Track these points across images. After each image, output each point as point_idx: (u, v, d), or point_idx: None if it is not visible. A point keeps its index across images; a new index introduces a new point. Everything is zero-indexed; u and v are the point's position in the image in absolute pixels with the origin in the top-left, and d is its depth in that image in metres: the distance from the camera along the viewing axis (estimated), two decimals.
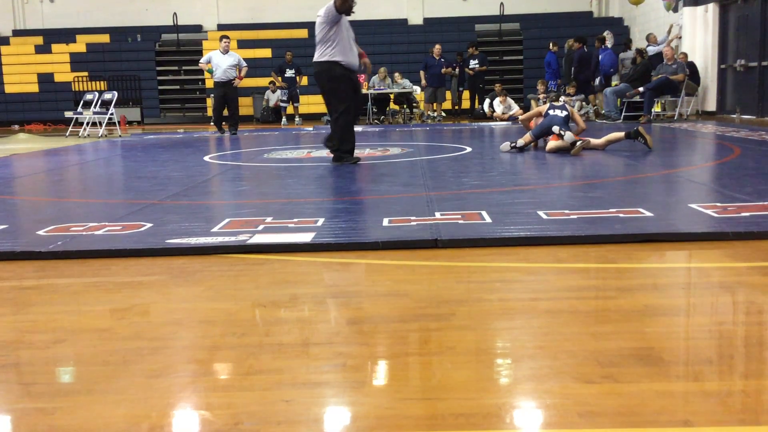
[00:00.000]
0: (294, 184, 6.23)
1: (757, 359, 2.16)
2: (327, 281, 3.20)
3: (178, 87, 19.57)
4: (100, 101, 14.04)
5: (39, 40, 19.58)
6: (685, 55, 13.77)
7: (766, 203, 4.31)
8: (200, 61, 12.88)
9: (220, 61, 12.58)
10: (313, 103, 17.91)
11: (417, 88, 16.11)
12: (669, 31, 14.76)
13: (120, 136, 13.50)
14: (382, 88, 15.72)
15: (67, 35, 19.60)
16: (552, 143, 7.59)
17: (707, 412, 1.78)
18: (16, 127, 17.77)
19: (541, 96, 15.30)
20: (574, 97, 15.05)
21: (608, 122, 13.13)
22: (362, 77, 15.43)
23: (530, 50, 18.59)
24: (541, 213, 4.19)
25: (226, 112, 12.91)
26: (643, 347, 2.22)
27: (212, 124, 13.05)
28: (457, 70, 16.40)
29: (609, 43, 15.48)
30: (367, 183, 6.25)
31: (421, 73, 15.94)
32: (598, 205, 4.45)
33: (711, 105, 14.33)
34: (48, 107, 18.58)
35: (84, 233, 4.03)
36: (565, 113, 7.81)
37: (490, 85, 16.44)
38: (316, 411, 1.88)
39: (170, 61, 19.52)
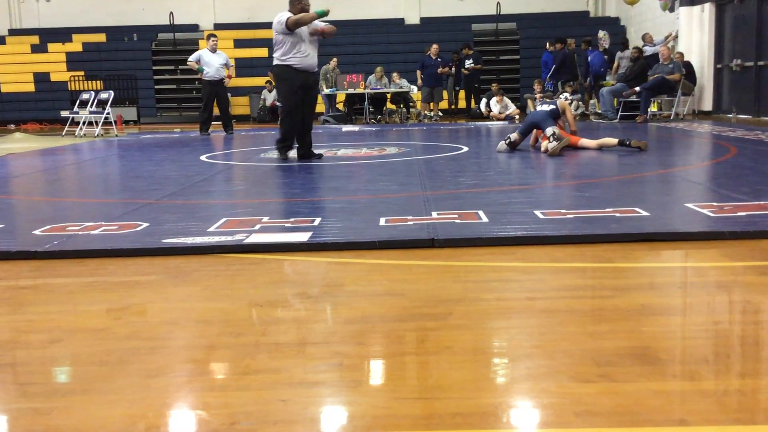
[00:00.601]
0: (291, 183, 6.23)
1: (754, 358, 2.17)
2: (324, 281, 3.20)
3: (174, 86, 19.55)
4: (96, 101, 14.01)
5: (35, 39, 19.55)
6: (682, 54, 13.79)
7: (762, 203, 4.32)
8: (189, 59, 12.76)
9: (211, 60, 12.52)
10: None
11: (414, 88, 16.11)
12: (667, 37, 14.79)
13: (116, 135, 13.48)
14: (378, 87, 15.72)
15: (63, 34, 19.58)
16: (545, 144, 7.56)
17: (703, 412, 1.78)
18: (12, 126, 17.73)
19: (537, 96, 15.30)
20: (571, 97, 15.05)
21: (605, 122, 13.14)
22: (360, 76, 15.46)
23: (527, 50, 18.60)
24: (537, 212, 4.20)
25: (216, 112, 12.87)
26: (639, 346, 2.22)
27: (200, 123, 12.89)
28: (453, 69, 16.40)
29: (606, 44, 15.49)
30: (364, 182, 6.25)
31: (418, 72, 15.94)
32: (595, 205, 4.46)
33: (707, 105, 14.35)
34: (44, 107, 18.55)
35: (80, 233, 4.03)
36: (551, 107, 7.83)
37: (486, 84, 16.44)
38: (312, 410, 1.88)
39: (167, 61, 19.49)
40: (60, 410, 1.91)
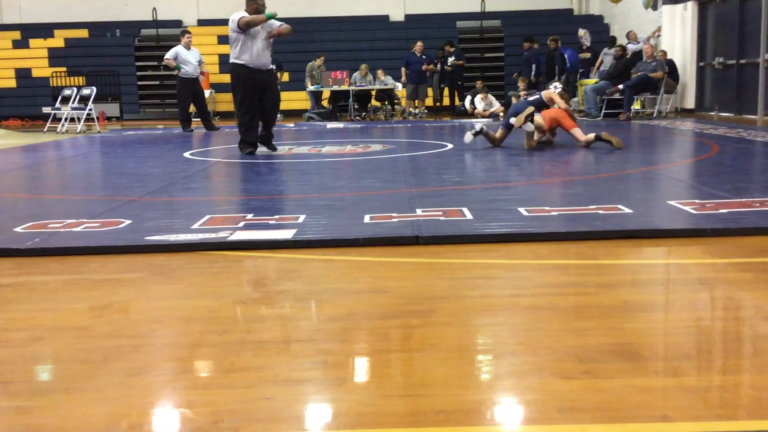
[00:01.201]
0: (275, 180, 6.21)
1: (735, 355, 2.19)
2: (308, 278, 3.19)
3: (157, 83, 19.42)
4: (78, 97, 13.90)
5: (17, 34, 19.34)
6: (664, 52, 13.88)
7: (743, 200, 4.35)
8: (166, 56, 12.62)
9: (188, 57, 12.44)
10: (294, 99, 17.87)
11: (399, 85, 16.10)
12: (654, 32, 14.88)
13: (98, 132, 13.38)
14: (363, 84, 15.70)
15: (45, 30, 19.38)
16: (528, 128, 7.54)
17: (685, 407, 1.80)
18: None
19: (522, 93, 15.36)
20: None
21: (588, 119, 13.20)
22: (344, 73, 15.44)
23: (511, 47, 18.65)
24: (522, 210, 4.21)
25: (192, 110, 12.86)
26: (622, 343, 2.23)
27: (180, 121, 12.82)
28: (438, 66, 16.42)
29: (587, 42, 15.59)
30: (348, 180, 6.24)
31: (403, 69, 15.93)
32: (579, 202, 4.48)
33: (690, 102, 14.46)
34: (26, 103, 18.36)
35: (62, 230, 3.99)
36: (535, 98, 7.94)
37: (471, 81, 16.47)
38: (297, 408, 1.88)
39: (150, 57, 19.35)
40: (41, 409, 1.89)
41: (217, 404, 1.89)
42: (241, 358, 2.20)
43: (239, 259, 3.45)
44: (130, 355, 2.26)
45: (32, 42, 19.11)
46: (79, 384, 2.04)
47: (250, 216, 4.27)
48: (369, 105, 16.20)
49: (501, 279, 3.08)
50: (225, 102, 18.48)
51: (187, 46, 12.56)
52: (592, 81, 14.40)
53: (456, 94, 16.72)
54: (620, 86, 13.02)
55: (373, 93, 16.09)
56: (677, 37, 14.62)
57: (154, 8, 19.34)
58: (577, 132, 7.76)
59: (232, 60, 8.01)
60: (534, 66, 15.41)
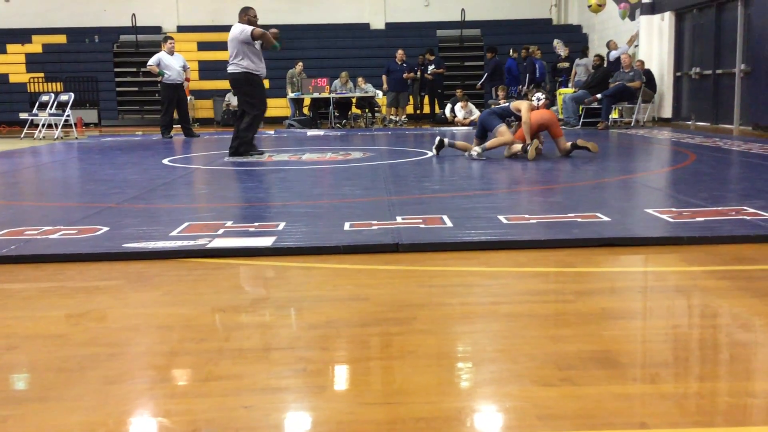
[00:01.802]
0: (255, 187, 6.19)
1: (712, 362, 2.21)
2: (288, 285, 3.18)
3: (136, 89, 19.30)
4: (56, 103, 13.77)
5: None
6: (642, 62, 14.03)
7: (719, 208, 4.40)
8: (149, 63, 12.55)
9: (171, 63, 12.40)
10: (274, 107, 17.82)
11: (379, 93, 16.13)
12: (632, 38, 15.05)
13: (76, 138, 13.26)
14: (344, 92, 15.71)
15: (22, 35, 19.20)
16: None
17: (663, 414, 1.81)
18: None
19: (501, 102, 15.44)
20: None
21: (567, 128, 13.30)
22: (325, 80, 15.44)
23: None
24: (501, 217, 4.23)
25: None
26: (600, 350, 2.25)
27: (161, 126, 12.75)
28: (419, 74, 16.47)
29: (561, 52, 15.75)
30: (328, 187, 6.24)
31: (383, 77, 15.97)
32: (557, 210, 4.50)
33: (667, 112, 14.62)
34: (2, 108, 18.14)
35: (38, 237, 3.95)
36: (500, 106, 8.06)
37: (450, 89, 16.55)
38: (276, 417, 1.87)
39: (129, 63, 19.23)
40: (16, 418, 1.87)
41: (195, 413, 1.87)
42: (219, 366, 2.19)
43: (218, 266, 3.43)
44: (106, 363, 2.23)
45: (9, 47, 18.92)
46: (56, 393, 2.02)
47: (229, 223, 4.25)
48: (349, 112, 16.21)
49: (480, 286, 3.08)
50: (204, 109, 18.43)
51: (170, 52, 12.51)
52: (570, 90, 14.51)
53: (436, 102, 16.78)
54: (598, 95, 13.14)
55: (354, 101, 16.11)
56: (654, 47, 14.79)
57: (134, 14, 19.23)
58: (562, 141, 7.80)
59: (242, 69, 8.39)
60: (495, 74, 15.89)
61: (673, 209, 4.42)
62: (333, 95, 15.45)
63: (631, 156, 7.87)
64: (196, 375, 2.14)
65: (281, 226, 4.13)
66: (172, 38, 12.93)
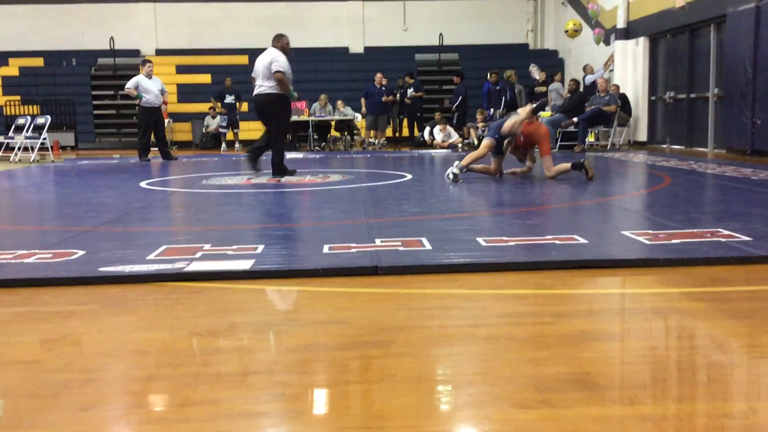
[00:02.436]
0: (233, 210, 6.16)
1: (690, 383, 2.22)
2: (266, 309, 3.16)
3: (114, 112, 19.22)
4: (32, 125, 13.67)
5: None
6: (617, 87, 14.23)
7: (695, 231, 4.45)
8: (127, 86, 12.52)
9: (149, 86, 12.39)
10: (253, 129, 17.82)
11: (358, 116, 16.20)
12: (607, 61, 15.27)
13: (53, 161, 13.16)
14: (323, 115, 15.75)
15: None
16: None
17: None
18: None
19: (480, 125, 15.57)
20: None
21: None
22: (304, 103, 15.49)
23: (469, 80, 18.93)
24: (480, 240, 4.24)
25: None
26: (579, 372, 2.25)
27: (139, 150, 12.70)
28: (398, 96, 16.58)
29: (537, 76, 15.95)
30: (307, 210, 6.23)
31: (362, 100, 16.04)
32: (535, 232, 4.53)
33: (642, 135, 14.82)
34: None
35: (12, 261, 3.90)
36: (500, 120, 8.22)
37: (429, 113, 16.67)
38: None
39: (106, 86, 19.17)
40: None
41: None
42: (196, 391, 2.16)
43: (196, 290, 3.41)
44: (81, 389, 2.20)
45: None
46: (29, 420, 1.98)
47: (207, 246, 4.22)
48: (328, 135, 16.25)
49: (459, 309, 3.08)
50: (183, 132, 18.39)
51: (149, 75, 12.50)
52: (547, 114, 14.67)
53: (415, 125, 16.88)
54: (575, 119, 13.29)
55: (333, 123, 16.15)
56: (629, 71, 15.01)
57: (112, 37, 19.21)
58: (548, 161, 7.81)
59: (278, 92, 8.75)
60: (460, 98, 16.21)
61: (650, 231, 4.46)
62: (312, 118, 15.48)
63: (607, 179, 7.95)
64: (173, 400, 2.11)
65: (260, 249, 4.11)
66: (150, 61, 12.92)
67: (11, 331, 2.86)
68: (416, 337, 2.66)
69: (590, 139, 14.16)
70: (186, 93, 18.90)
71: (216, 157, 14.07)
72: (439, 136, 15.20)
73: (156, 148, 13.12)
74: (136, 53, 19.60)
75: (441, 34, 19.56)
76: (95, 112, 19.07)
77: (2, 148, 13.78)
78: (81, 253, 4.07)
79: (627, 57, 15.04)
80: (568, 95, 14.22)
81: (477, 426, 1.91)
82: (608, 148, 13.60)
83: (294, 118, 15.52)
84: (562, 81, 15.91)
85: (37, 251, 4.14)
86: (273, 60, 8.71)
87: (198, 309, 3.10)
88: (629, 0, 14.98)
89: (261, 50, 20.43)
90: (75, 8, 19.78)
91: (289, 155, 13.75)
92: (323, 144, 15.94)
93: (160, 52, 19.77)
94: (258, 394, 2.13)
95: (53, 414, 2.02)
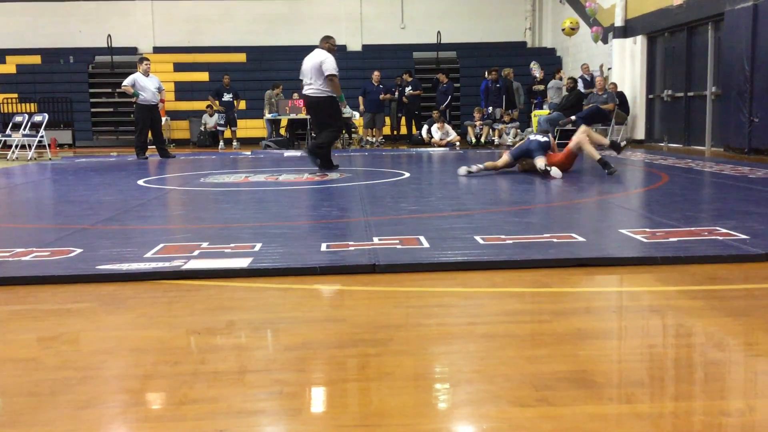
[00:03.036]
0: (231, 208, 6.16)
1: (687, 381, 2.22)
2: (264, 307, 3.16)
3: (111, 109, 19.21)
4: (29, 123, 13.65)
5: None
6: (615, 85, 14.23)
7: (693, 229, 4.46)
8: (124, 83, 12.50)
9: (146, 84, 12.37)
10: (250, 128, 17.83)
11: (356, 114, 16.18)
12: (601, 69, 15.31)
13: (50, 159, 13.14)
14: None
15: None
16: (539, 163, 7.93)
17: None
18: None
19: (477, 123, 15.57)
20: (509, 125, 15.38)
21: None
22: (301, 101, 15.48)
23: (467, 78, 18.94)
24: (477, 238, 4.24)
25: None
26: (576, 370, 2.25)
27: (136, 147, 12.70)
28: (396, 94, 16.57)
29: (537, 74, 15.97)
30: (305, 208, 6.23)
31: (360, 98, 16.03)
32: (533, 231, 4.53)
33: (640, 133, 14.83)
34: None
35: (10, 259, 3.89)
36: (545, 140, 8.26)
37: (427, 111, 16.67)
38: None
39: (104, 84, 19.15)
40: None
41: None
42: (194, 389, 2.16)
43: (193, 288, 3.40)
44: (78, 387, 2.20)
45: None
46: (26, 418, 1.98)
47: (205, 244, 4.22)
48: None
49: (457, 307, 3.09)
50: (180, 129, 18.37)
51: (146, 73, 12.48)
52: (545, 112, 14.68)
53: (413, 123, 16.88)
54: (573, 117, 13.30)
55: None
56: (627, 70, 15.02)
57: (109, 35, 19.18)
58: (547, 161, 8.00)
59: (328, 94, 9.02)
60: (449, 97, 16.35)
61: (647, 230, 4.47)
62: (310, 116, 15.47)
63: (605, 177, 7.95)
64: (171, 398, 2.11)
65: (257, 247, 4.11)
66: (147, 59, 12.90)
67: (8, 329, 2.86)
68: (414, 335, 2.66)
69: None
70: (183, 91, 18.89)
71: (213, 155, 14.06)
72: (437, 134, 15.20)
73: (153, 146, 13.11)
74: (133, 51, 19.58)
75: (439, 32, 19.55)
76: (93, 109, 19.05)
77: (0, 146, 13.76)
78: (78, 251, 4.07)
79: (625, 55, 15.05)
80: (566, 93, 14.23)
81: (475, 424, 1.92)
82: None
83: (292, 116, 15.54)
84: (561, 79, 15.91)
85: (34, 249, 4.14)
86: (323, 61, 8.92)
87: (196, 307, 3.10)
88: None
89: (258, 48, 20.32)
90: (72, 6, 19.75)
91: (287, 153, 13.76)
92: None
93: (157, 50, 19.74)
94: (256, 392, 2.13)
95: (51, 412, 2.01)
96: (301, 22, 19.99)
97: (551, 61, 18.54)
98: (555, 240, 4.17)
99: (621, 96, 14.04)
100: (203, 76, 19.06)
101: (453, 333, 2.71)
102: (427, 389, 2.17)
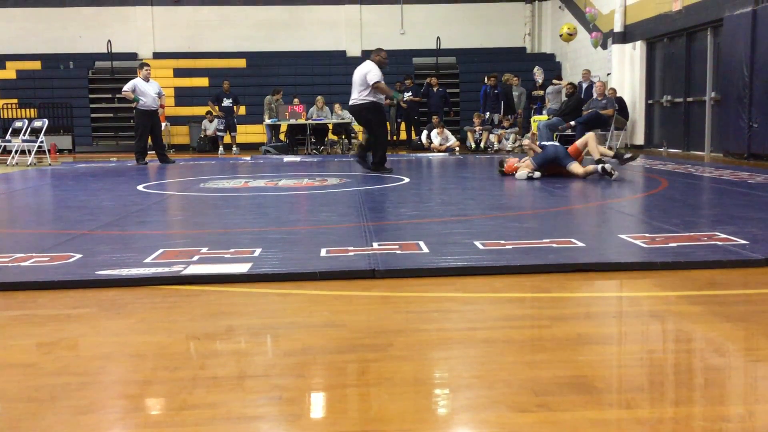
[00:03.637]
0: (231, 214, 6.16)
1: (687, 386, 2.22)
2: (263, 312, 3.16)
3: (111, 115, 19.22)
4: (29, 129, 13.66)
5: None
6: (614, 90, 14.25)
7: (692, 234, 4.46)
8: (124, 89, 12.52)
9: (147, 89, 12.39)
10: (250, 133, 17.85)
11: None
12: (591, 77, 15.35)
13: (50, 164, 13.14)
14: (320, 118, 15.76)
15: None
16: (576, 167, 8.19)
17: None
18: None
19: (477, 128, 15.59)
20: (508, 130, 15.39)
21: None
22: (302, 107, 15.49)
23: (466, 83, 18.96)
24: (477, 243, 4.24)
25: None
26: (576, 375, 2.25)
27: (136, 153, 12.72)
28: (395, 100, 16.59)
29: (539, 79, 15.99)
30: (305, 213, 6.23)
31: None
32: (532, 236, 4.53)
33: (639, 139, 14.84)
34: None
35: (10, 264, 3.89)
36: (561, 146, 8.61)
37: (425, 116, 16.69)
38: None
39: (104, 89, 19.17)
40: None
41: None
42: (193, 395, 2.16)
43: (193, 293, 3.40)
44: (78, 392, 2.20)
45: None
46: (26, 423, 1.98)
47: (204, 249, 4.22)
48: (326, 139, 16.25)
49: (457, 312, 3.08)
50: (180, 135, 18.38)
51: (146, 79, 12.50)
52: (545, 117, 14.69)
53: (412, 128, 16.89)
54: (572, 122, 13.31)
55: (330, 127, 16.16)
56: (626, 75, 15.04)
57: (109, 41, 19.21)
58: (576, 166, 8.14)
59: (369, 99, 9.53)
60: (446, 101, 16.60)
61: (647, 235, 4.47)
62: (309, 121, 15.49)
63: (604, 182, 7.95)
64: (170, 404, 2.11)
65: (257, 252, 4.11)
66: (147, 65, 12.92)
67: (8, 334, 2.86)
68: (414, 340, 2.66)
69: None
70: (183, 96, 18.91)
71: (213, 160, 14.06)
72: (436, 139, 15.21)
73: (153, 152, 13.12)
74: (133, 56, 19.60)
75: (438, 38, 19.58)
76: (92, 115, 19.06)
77: None
78: (78, 256, 4.07)
79: (624, 61, 15.07)
80: (566, 98, 14.24)
81: (474, 429, 1.91)
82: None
83: (291, 121, 15.55)
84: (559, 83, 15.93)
85: (34, 254, 4.13)
86: (368, 72, 9.48)
87: (195, 312, 3.10)
88: (626, 4, 15.01)
89: (258, 53, 20.36)
90: (72, 11, 19.78)
91: (287, 158, 13.77)
92: (321, 147, 15.94)
93: (157, 56, 19.76)
94: (255, 398, 2.13)
95: (50, 418, 2.01)
96: (301, 27, 20.04)
97: (551, 66, 18.57)
98: (554, 245, 4.17)
99: (620, 101, 14.06)
100: (203, 82, 19.08)
101: (453, 338, 2.71)
102: (427, 395, 2.17)
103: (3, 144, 13.76)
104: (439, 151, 14.89)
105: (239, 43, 19.83)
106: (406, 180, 8.69)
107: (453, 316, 3.03)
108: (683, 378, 2.30)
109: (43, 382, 2.29)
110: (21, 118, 15.85)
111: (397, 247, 4.21)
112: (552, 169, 8.33)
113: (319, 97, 15.97)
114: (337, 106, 15.88)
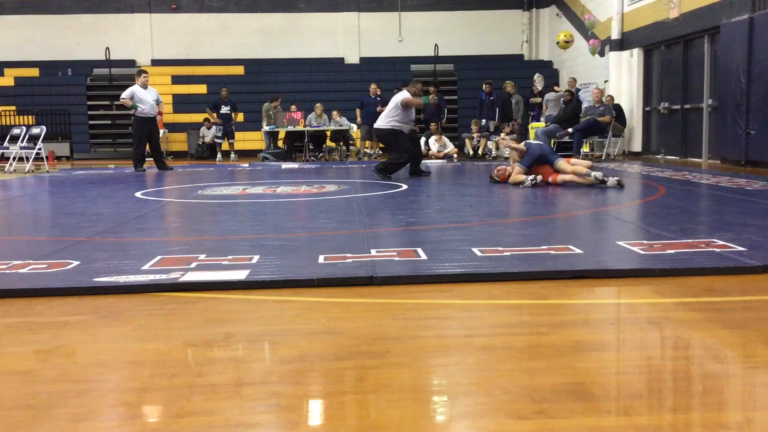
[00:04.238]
0: (229, 221, 6.16)
1: (685, 393, 2.22)
2: (261, 319, 3.15)
3: (109, 122, 19.23)
4: (27, 136, 13.66)
5: None
6: (612, 97, 14.28)
7: (690, 241, 4.46)
8: (122, 96, 12.53)
9: (145, 96, 12.39)
10: (248, 140, 17.86)
11: (353, 126, 16.21)
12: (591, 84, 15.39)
13: (48, 171, 13.14)
14: (319, 125, 15.77)
15: None
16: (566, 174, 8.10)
17: None
18: None
19: (475, 135, 15.61)
20: (508, 137, 15.41)
21: None
22: (300, 113, 15.51)
23: (464, 90, 19.00)
24: (475, 250, 4.24)
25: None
26: (574, 382, 2.25)
27: (134, 160, 12.72)
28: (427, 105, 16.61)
29: (539, 86, 16.03)
30: (303, 220, 6.23)
31: (357, 111, 16.06)
32: (531, 242, 4.53)
33: (637, 146, 14.87)
34: None
35: (7, 271, 3.89)
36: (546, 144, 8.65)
37: (422, 123, 16.69)
38: None
39: (102, 96, 19.18)
40: None
41: None
42: (191, 402, 2.15)
43: (191, 300, 3.40)
44: (75, 400, 2.19)
45: None
46: (22, 430, 1.97)
47: (202, 256, 4.22)
48: (324, 145, 16.26)
49: (455, 319, 3.08)
50: (178, 142, 18.39)
51: (144, 86, 12.51)
52: (542, 124, 14.72)
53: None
54: (570, 129, 13.33)
55: (329, 134, 16.17)
56: (624, 82, 15.07)
57: (107, 48, 19.23)
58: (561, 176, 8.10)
59: (389, 126, 10.00)
60: (444, 110, 16.27)
61: (644, 242, 4.47)
62: (308, 128, 15.50)
63: (602, 189, 7.96)
64: (168, 411, 2.11)
65: (255, 259, 4.11)
66: (146, 72, 12.93)
67: (5, 341, 2.85)
68: (412, 347, 2.66)
69: (585, 149, 14.20)
70: (181, 103, 18.92)
71: (211, 167, 14.06)
72: (434, 146, 15.23)
73: (151, 159, 13.12)
74: (131, 63, 19.62)
75: (436, 45, 19.63)
76: (90, 122, 19.06)
77: None
78: (76, 263, 4.06)
79: (621, 68, 15.11)
80: (563, 106, 14.27)
81: None
82: (603, 158, 13.63)
83: (289, 128, 15.56)
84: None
85: (31, 261, 4.13)
86: (401, 99, 9.95)
87: (193, 319, 3.10)
88: (623, 11, 15.06)
89: (256, 60, 20.43)
90: (71, 18, 19.80)
91: (285, 165, 13.78)
92: (319, 154, 15.95)
93: (155, 63, 19.78)
94: (253, 405, 2.13)
95: (47, 425, 2.01)
96: (298, 35, 20.07)
97: (548, 73, 18.60)
98: (553, 252, 4.17)
99: (618, 108, 14.09)
100: (201, 89, 19.10)
101: (451, 345, 2.71)
102: (425, 402, 2.16)
103: (1, 151, 13.75)
104: (437, 158, 14.90)
105: (237, 50, 19.86)
106: (404, 187, 8.70)
107: (451, 323, 3.03)
108: (681, 385, 2.29)
109: (40, 389, 2.28)
110: (19, 125, 15.85)
111: (395, 253, 4.21)
112: (540, 168, 8.22)
113: (318, 104, 15.99)
114: (335, 113, 15.90)
